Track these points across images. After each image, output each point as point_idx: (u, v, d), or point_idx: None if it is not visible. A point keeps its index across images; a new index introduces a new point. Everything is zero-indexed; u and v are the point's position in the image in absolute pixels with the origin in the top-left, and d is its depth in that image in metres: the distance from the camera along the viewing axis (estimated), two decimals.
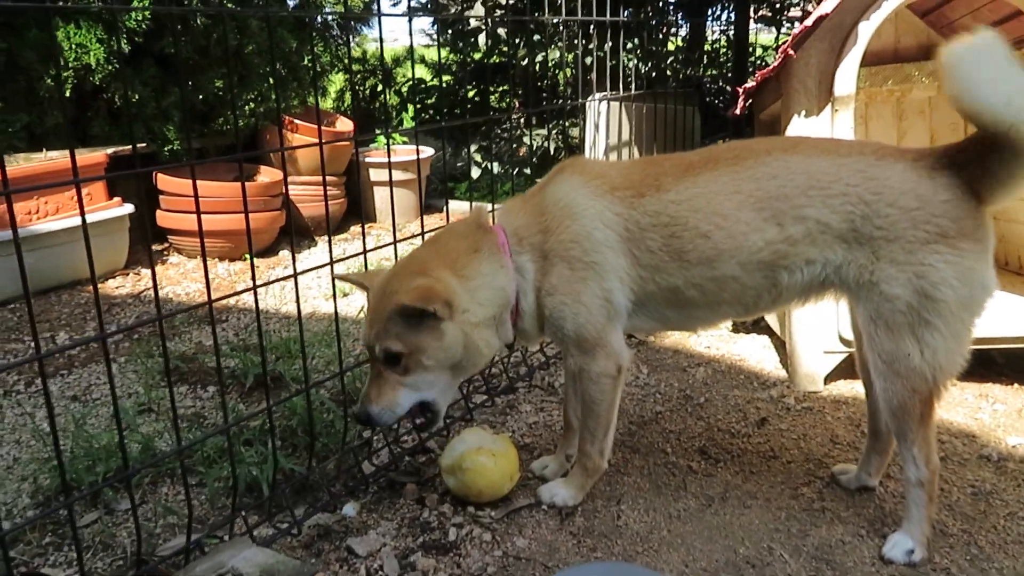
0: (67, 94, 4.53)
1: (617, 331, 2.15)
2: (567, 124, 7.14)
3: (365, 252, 2.34)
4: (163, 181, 4.91)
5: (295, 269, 2.06)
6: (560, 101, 7.09)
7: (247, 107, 5.40)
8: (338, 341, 2.42)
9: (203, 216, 4.98)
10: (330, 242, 2.14)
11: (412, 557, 2.11)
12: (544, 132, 6.97)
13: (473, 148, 7.18)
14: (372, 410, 2.05)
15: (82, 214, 1.63)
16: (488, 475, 2.29)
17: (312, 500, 2.38)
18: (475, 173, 7.12)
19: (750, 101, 3.64)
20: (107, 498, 2.41)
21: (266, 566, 1.79)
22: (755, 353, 3.46)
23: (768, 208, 1.99)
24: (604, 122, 3.92)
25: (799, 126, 3.03)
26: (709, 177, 2.04)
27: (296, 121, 5.56)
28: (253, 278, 1.99)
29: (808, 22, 2.84)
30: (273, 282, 2.17)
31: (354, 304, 4.27)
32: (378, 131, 7.11)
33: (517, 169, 7.21)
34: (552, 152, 7.10)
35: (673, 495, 2.40)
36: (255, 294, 2.00)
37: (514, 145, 7.32)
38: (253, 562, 1.81)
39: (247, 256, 5.10)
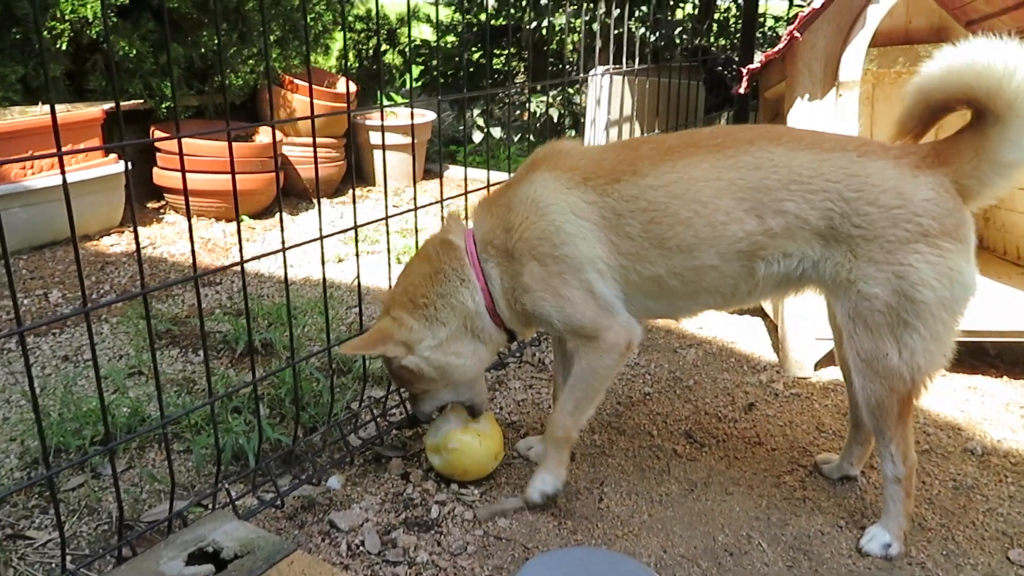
0: (63, 47, 4.46)
1: (618, 313, 2.09)
2: (572, 91, 7.06)
3: (356, 228, 2.33)
4: (159, 139, 4.86)
5: (283, 243, 2.05)
6: (566, 67, 7.01)
7: (247, 64, 5.32)
8: (326, 315, 2.42)
9: (199, 176, 4.93)
10: (320, 212, 2.12)
11: (394, 533, 2.12)
12: (547, 100, 6.89)
13: (476, 112, 7.10)
14: (416, 412, 2.38)
15: (62, 171, 1.61)
16: (473, 455, 2.30)
17: (298, 471, 2.39)
18: (477, 138, 7.05)
19: (755, 80, 3.58)
20: (94, 463, 2.42)
21: (246, 541, 1.81)
22: (748, 336, 3.46)
23: (749, 199, 1.96)
24: (606, 96, 3.87)
25: (802, 109, 2.98)
26: (689, 162, 2.00)
27: (296, 81, 5.48)
28: (240, 253, 1.97)
29: (816, 3, 2.78)
30: (260, 256, 2.15)
31: (349, 271, 4.26)
32: (379, 95, 7.01)
33: (520, 135, 7.15)
34: (556, 119, 7.03)
35: (656, 479, 2.42)
36: (242, 270, 1.99)
37: (516, 111, 7.24)
38: (234, 536, 1.83)
39: (244, 217, 5.07)
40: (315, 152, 2.23)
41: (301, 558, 1.75)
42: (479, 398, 2.33)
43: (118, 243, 4.49)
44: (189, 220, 1.90)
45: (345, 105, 5.64)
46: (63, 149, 1.58)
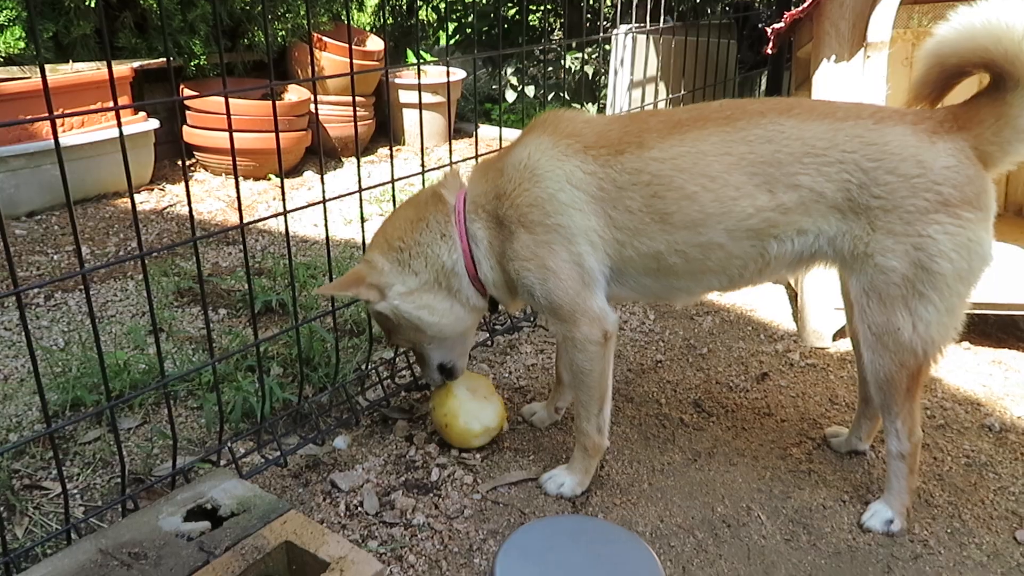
0: (92, 4, 4.49)
1: (596, 296, 2.03)
2: (608, 48, 6.91)
3: (360, 191, 2.32)
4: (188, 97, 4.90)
5: (284, 207, 2.05)
6: (601, 24, 6.86)
7: (275, 22, 5.32)
8: (330, 275, 2.43)
9: (227, 134, 4.97)
10: (323, 175, 2.12)
11: (393, 495, 2.15)
12: (582, 56, 6.77)
13: (509, 71, 7.00)
14: (423, 377, 2.42)
15: (55, 137, 1.63)
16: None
17: (308, 430, 2.43)
18: (510, 96, 6.96)
19: (787, 39, 3.46)
20: (109, 418, 2.49)
21: (243, 499, 1.85)
22: (767, 305, 3.40)
23: (760, 173, 1.88)
24: (629, 57, 3.77)
25: (829, 71, 2.88)
26: (697, 136, 1.92)
27: (325, 39, 5.46)
28: (240, 216, 1.98)
29: None
30: (261, 220, 2.17)
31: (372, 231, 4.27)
32: (409, 51, 6.96)
33: (554, 93, 7.05)
34: (591, 77, 6.91)
35: (660, 448, 2.41)
36: (243, 232, 2.00)
37: (549, 68, 7.12)
38: (232, 494, 1.87)
39: (271, 175, 5.11)
40: (317, 113, 2.22)
41: (294, 518, 1.78)
42: (461, 361, 2.32)
43: (147, 200, 4.57)
44: (187, 184, 1.91)
45: (371, 64, 5.61)
46: (56, 124, 1.58)
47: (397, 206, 2.30)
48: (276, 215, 2.12)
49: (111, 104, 1.67)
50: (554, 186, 1.97)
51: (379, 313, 2.20)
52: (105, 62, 4.53)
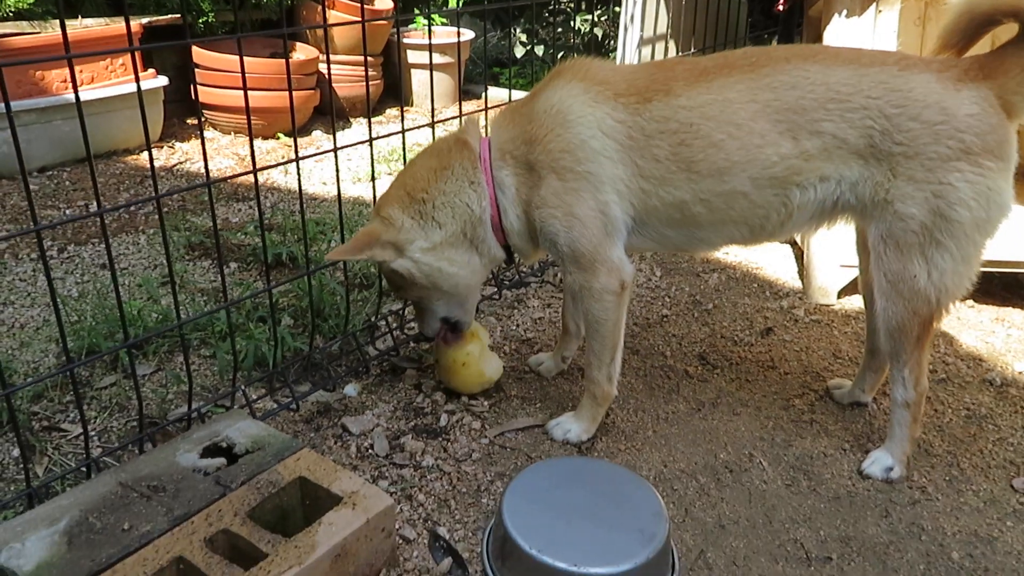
0: None
1: (617, 246, 2.04)
2: (618, 10, 6.85)
3: (371, 139, 2.34)
4: (197, 55, 4.88)
5: (296, 152, 2.07)
6: None
7: None
8: (341, 229, 2.46)
9: (237, 92, 4.95)
10: (334, 130, 2.14)
11: (402, 439, 2.20)
12: (591, 19, 6.72)
13: (518, 30, 6.95)
14: (422, 329, 2.36)
15: (75, 89, 1.65)
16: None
17: (319, 379, 2.48)
18: (519, 52, 6.91)
19: None
20: (125, 364, 2.54)
21: (257, 437, 1.90)
22: (773, 262, 3.42)
23: (784, 120, 1.89)
24: (639, 13, 3.75)
25: (839, 27, 2.87)
26: (723, 83, 1.92)
27: None
28: (253, 161, 2.01)
29: None
30: (274, 165, 2.19)
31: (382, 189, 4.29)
32: (417, 11, 6.91)
33: (563, 54, 7.00)
34: (600, 39, 6.85)
35: (665, 398, 2.45)
36: (255, 177, 2.03)
37: (559, 30, 7.07)
38: (246, 433, 1.91)
39: (280, 135, 5.12)
40: (329, 70, 2.23)
41: (307, 455, 1.83)
42: (468, 316, 2.30)
43: (157, 158, 4.59)
44: (201, 131, 1.94)
45: (381, 23, 5.57)
46: (73, 65, 1.61)
47: (411, 158, 2.27)
48: (288, 161, 2.14)
49: (121, 60, 1.68)
50: (586, 132, 1.97)
51: (392, 271, 2.15)
52: (112, 19, 4.55)
